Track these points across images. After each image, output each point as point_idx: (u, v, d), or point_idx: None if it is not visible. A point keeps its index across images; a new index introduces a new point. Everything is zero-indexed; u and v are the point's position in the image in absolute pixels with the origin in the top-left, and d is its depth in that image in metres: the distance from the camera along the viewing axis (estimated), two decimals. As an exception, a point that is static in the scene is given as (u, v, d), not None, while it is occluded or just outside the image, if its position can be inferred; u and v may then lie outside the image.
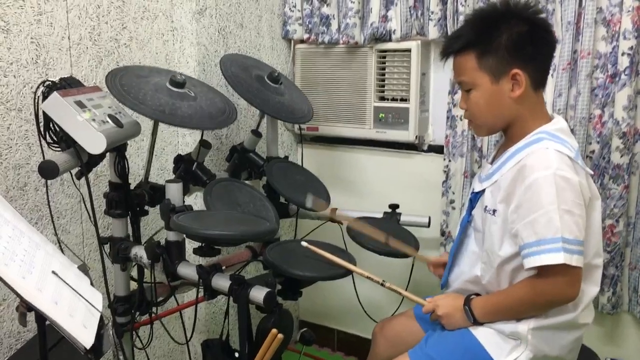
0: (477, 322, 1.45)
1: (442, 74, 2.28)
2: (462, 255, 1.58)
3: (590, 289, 1.41)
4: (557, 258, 1.27)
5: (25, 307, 0.92)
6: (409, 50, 2.25)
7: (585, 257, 1.32)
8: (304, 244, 1.62)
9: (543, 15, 1.45)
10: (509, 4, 1.43)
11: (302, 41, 2.54)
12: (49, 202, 1.62)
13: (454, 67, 1.48)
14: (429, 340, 1.52)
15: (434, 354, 1.47)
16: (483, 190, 1.48)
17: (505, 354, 1.41)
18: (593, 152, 1.94)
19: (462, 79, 1.46)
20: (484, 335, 1.44)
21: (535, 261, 1.30)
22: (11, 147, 1.66)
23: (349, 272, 1.63)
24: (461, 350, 1.45)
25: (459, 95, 2.14)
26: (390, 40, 2.30)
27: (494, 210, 1.42)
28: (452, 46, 1.46)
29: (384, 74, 2.35)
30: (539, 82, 1.43)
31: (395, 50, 2.30)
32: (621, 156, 1.88)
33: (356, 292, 1.94)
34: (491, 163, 1.52)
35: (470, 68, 1.42)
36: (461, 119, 2.16)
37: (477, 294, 1.48)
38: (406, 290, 1.62)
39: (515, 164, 1.37)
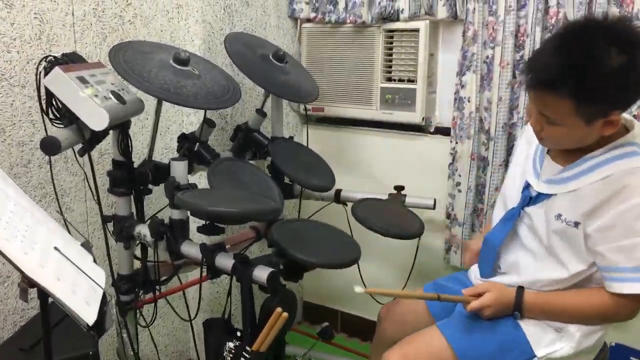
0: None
1: (450, 55, 2.25)
2: (513, 252, 1.48)
3: None
4: None
5: (27, 283, 0.91)
6: (417, 30, 2.22)
7: None
8: (358, 289, 1.39)
9: None
10: (605, 28, 1.20)
11: (308, 20, 2.51)
12: (52, 179, 1.61)
13: (539, 98, 1.27)
14: (465, 315, 1.47)
15: (472, 330, 1.44)
16: (551, 194, 1.37)
17: (545, 344, 1.38)
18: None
19: (548, 115, 1.27)
20: (525, 321, 1.41)
21: (629, 288, 1.26)
22: (15, 123, 1.65)
23: (355, 261, 1.60)
24: (499, 332, 1.41)
25: (467, 77, 2.12)
26: (398, 19, 2.26)
27: (577, 223, 1.31)
28: (552, 83, 1.22)
29: (391, 55, 2.32)
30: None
31: (403, 30, 2.26)
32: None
33: (360, 274, 1.93)
34: (556, 162, 1.39)
35: (564, 111, 1.23)
36: (469, 101, 2.14)
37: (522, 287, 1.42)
38: (411, 271, 1.61)
39: (604, 177, 1.27)
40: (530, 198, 1.42)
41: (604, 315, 1.35)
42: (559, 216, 1.34)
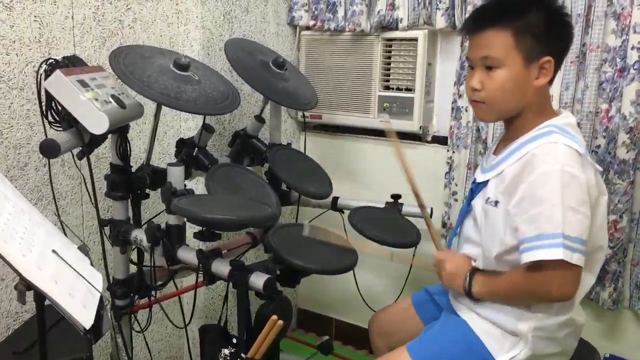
0: (470, 295, 1.42)
1: (448, 65, 2.26)
2: (460, 246, 1.55)
3: (588, 278, 1.39)
4: (555, 254, 1.23)
5: (25, 286, 0.91)
6: (415, 40, 2.23)
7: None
8: (305, 231, 1.59)
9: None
10: None
11: (307, 28, 2.52)
12: (51, 181, 1.61)
13: (480, 42, 1.37)
14: (427, 333, 1.51)
15: (432, 346, 1.46)
16: (486, 182, 1.44)
17: (505, 351, 1.38)
18: (599, 146, 1.92)
19: (490, 54, 1.35)
20: (482, 329, 1.41)
21: (534, 255, 1.26)
22: (12, 126, 1.65)
23: (351, 267, 1.61)
24: (460, 344, 1.43)
25: (464, 87, 2.12)
26: (396, 29, 2.28)
27: (496, 202, 1.38)
28: (490, 17, 1.35)
29: (389, 63, 2.33)
30: (554, 75, 1.39)
31: (401, 39, 2.28)
32: (627, 151, 1.87)
33: (355, 281, 1.93)
34: (495, 154, 1.49)
35: (504, 45, 1.33)
36: (466, 110, 2.14)
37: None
38: (406, 280, 1.62)
39: (522, 156, 1.32)
40: (472, 191, 1.50)
41: (526, 288, 1.33)
42: (487, 199, 1.41)
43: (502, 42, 1.33)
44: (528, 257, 1.27)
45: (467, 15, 2.06)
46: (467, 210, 1.52)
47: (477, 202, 1.47)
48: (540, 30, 1.33)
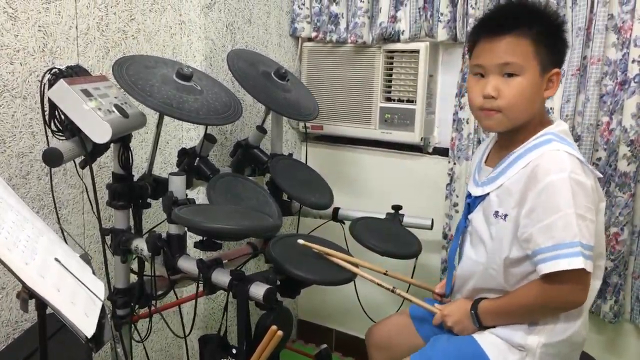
0: (482, 327, 1.42)
1: (449, 76, 2.27)
2: (461, 262, 1.55)
3: (595, 283, 1.40)
4: (577, 263, 1.23)
5: (27, 294, 0.91)
6: (417, 52, 2.24)
7: None
8: (300, 241, 1.59)
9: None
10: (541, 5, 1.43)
11: (309, 39, 2.53)
12: (52, 190, 1.61)
13: (499, 47, 1.34)
14: (434, 347, 1.49)
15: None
16: (484, 195, 1.44)
17: None
18: (600, 159, 1.92)
19: (513, 61, 1.33)
20: (489, 344, 1.40)
21: (554, 266, 1.25)
22: (15, 135, 1.65)
23: (353, 278, 1.61)
24: (466, 358, 1.42)
25: (466, 99, 2.13)
26: (398, 40, 2.29)
27: (505, 215, 1.37)
28: (511, 23, 1.34)
29: (391, 75, 2.34)
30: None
31: (403, 51, 2.29)
32: (628, 164, 1.87)
33: (356, 292, 1.93)
34: (488, 165, 1.49)
35: (526, 52, 1.33)
36: (467, 122, 2.15)
37: (485, 298, 1.45)
38: (407, 291, 1.62)
39: (524, 166, 1.33)
40: (469, 205, 1.50)
41: (543, 303, 1.34)
42: (496, 213, 1.40)
43: (523, 49, 1.33)
44: (548, 268, 1.27)
45: (468, 27, 2.08)
46: (464, 225, 1.52)
47: (477, 217, 1.46)
48: (551, 42, 1.35)
